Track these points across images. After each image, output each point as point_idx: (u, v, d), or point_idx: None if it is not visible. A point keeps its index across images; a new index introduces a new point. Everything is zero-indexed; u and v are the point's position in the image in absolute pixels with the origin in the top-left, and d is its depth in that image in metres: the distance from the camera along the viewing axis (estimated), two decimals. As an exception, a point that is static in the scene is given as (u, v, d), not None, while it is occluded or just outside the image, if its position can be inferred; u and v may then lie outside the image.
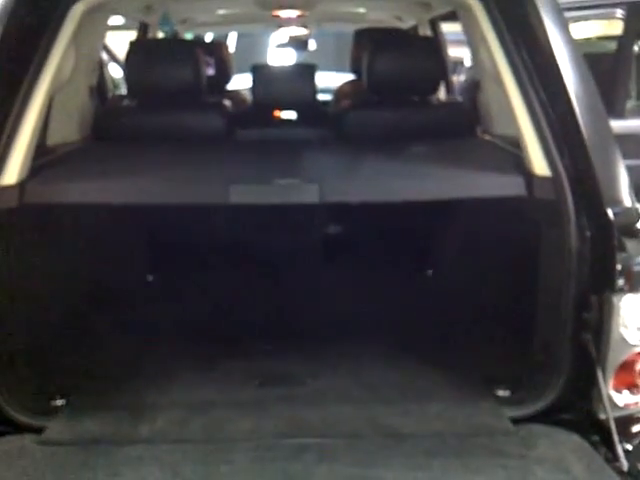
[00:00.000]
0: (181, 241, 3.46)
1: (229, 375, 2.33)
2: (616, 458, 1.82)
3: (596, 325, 1.95)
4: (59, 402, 2.12)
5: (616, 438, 1.84)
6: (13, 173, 2.09)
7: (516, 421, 2.00)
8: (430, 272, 3.37)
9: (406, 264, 3.40)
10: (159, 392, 2.21)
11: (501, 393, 2.16)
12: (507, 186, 2.20)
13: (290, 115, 3.45)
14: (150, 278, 3.33)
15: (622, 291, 1.91)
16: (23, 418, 1.98)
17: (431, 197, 2.23)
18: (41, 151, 2.35)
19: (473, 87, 3.26)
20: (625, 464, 1.80)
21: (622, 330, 1.93)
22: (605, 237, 1.92)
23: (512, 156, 2.41)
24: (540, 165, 2.09)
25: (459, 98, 3.97)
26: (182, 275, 3.32)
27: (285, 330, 2.70)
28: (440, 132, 2.93)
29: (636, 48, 4.59)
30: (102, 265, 2.96)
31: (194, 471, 1.73)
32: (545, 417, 2.01)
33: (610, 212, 1.92)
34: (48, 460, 1.79)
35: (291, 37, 5.20)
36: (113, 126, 3.00)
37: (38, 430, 1.98)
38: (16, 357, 2.10)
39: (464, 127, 3.02)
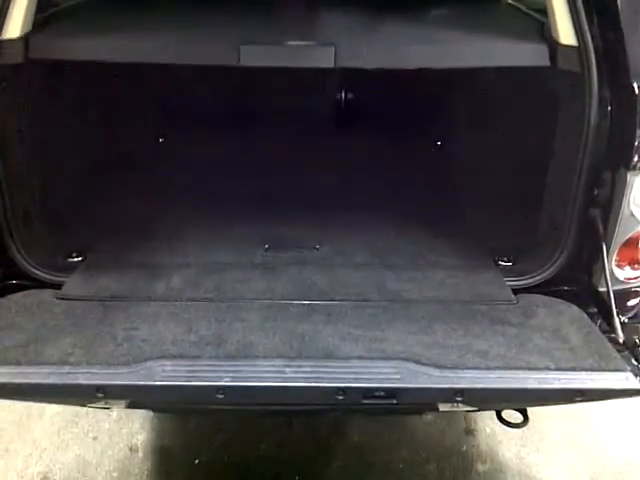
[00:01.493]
0: (190, 103, 3.36)
1: (240, 238, 2.34)
2: (613, 330, 1.85)
3: (606, 202, 1.93)
4: (76, 259, 2.15)
5: (615, 310, 1.87)
6: (16, 26, 1.96)
7: (517, 291, 2.02)
8: (439, 142, 3.28)
9: (416, 134, 3.29)
10: (173, 252, 2.23)
11: (503, 263, 2.18)
12: (529, 55, 2.08)
13: None
14: (161, 140, 3.27)
15: (636, 169, 1.86)
16: (41, 273, 2.01)
17: (448, 65, 2.13)
18: (44, 3, 2.19)
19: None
20: (621, 335, 1.83)
21: (632, 207, 1.91)
22: (627, 112, 1.84)
23: (536, 23, 2.26)
24: (566, 33, 1.95)
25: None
26: (192, 138, 3.23)
27: (296, 196, 2.68)
28: None
29: None
30: (112, 126, 2.88)
31: (208, 327, 1.77)
32: (546, 288, 2.03)
33: (636, 86, 1.82)
34: (67, 314, 1.83)
35: None
36: None
37: (56, 286, 2.01)
38: (32, 215, 2.10)
39: None
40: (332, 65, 2.01)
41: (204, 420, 2.80)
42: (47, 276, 2.02)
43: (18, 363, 1.60)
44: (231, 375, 1.56)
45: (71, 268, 2.11)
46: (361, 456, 2.65)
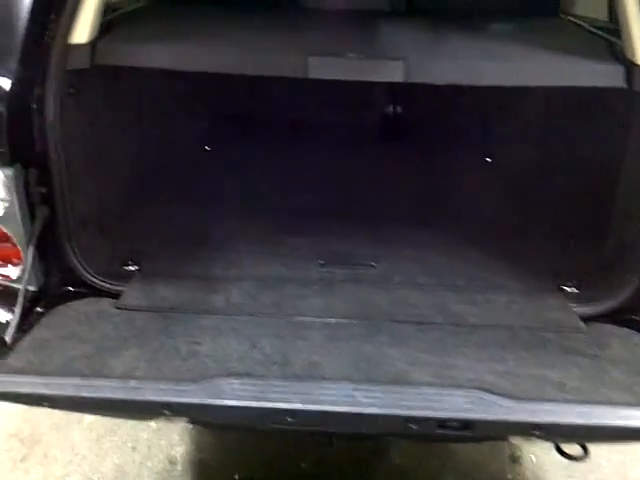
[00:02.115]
0: (238, 113, 3.34)
1: (294, 252, 2.28)
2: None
3: None
4: (132, 267, 2.11)
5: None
6: (84, 31, 1.92)
7: (584, 319, 1.94)
8: (489, 159, 3.21)
9: (466, 149, 3.22)
10: (228, 264, 2.17)
11: (568, 289, 2.09)
12: (604, 75, 2.00)
13: None
14: (208, 148, 3.23)
15: None
16: (98, 281, 1.97)
17: (522, 83, 2.06)
18: (105, 8, 2.17)
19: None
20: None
21: None
22: None
23: (604, 42, 2.20)
24: None
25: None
26: (241, 148, 3.18)
27: (348, 210, 2.62)
28: (519, 9, 2.71)
29: None
30: (165, 133, 2.85)
31: (271, 345, 1.71)
32: (614, 317, 1.95)
33: None
34: (128, 325, 1.78)
35: None
36: None
37: (113, 294, 1.97)
38: (89, 221, 2.06)
39: (546, 5, 2.78)
40: (402, 79, 1.97)
41: (243, 435, 2.73)
42: (104, 284, 1.98)
43: (84, 375, 1.55)
44: (301, 397, 1.50)
45: (127, 276, 2.06)
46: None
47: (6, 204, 1.85)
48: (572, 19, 2.74)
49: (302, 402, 1.49)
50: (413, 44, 2.21)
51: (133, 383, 1.51)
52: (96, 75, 2.05)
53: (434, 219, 2.57)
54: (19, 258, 1.94)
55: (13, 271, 1.96)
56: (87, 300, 1.90)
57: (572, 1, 2.79)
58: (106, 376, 1.55)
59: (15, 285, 1.95)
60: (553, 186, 2.61)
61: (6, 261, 1.96)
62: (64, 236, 1.95)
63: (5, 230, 1.90)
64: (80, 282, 1.99)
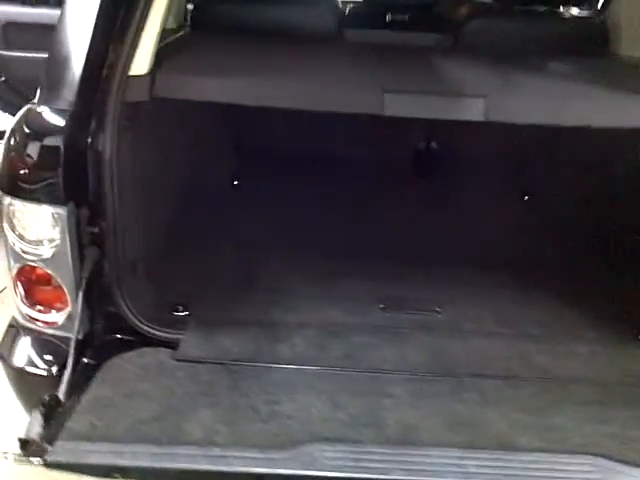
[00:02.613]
0: (266, 146, 3.22)
1: (351, 295, 2.12)
2: None
3: None
4: (182, 313, 1.92)
5: None
6: (144, 61, 1.77)
7: None
8: (526, 197, 3.09)
9: (502, 187, 3.09)
10: (285, 308, 2.00)
11: None
12: None
13: (401, 17, 3.11)
14: (236, 182, 3.06)
15: None
16: (148, 328, 1.78)
17: (611, 124, 1.91)
18: None
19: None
20: None
21: None
22: None
23: None
24: None
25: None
26: (273, 183, 3.00)
27: (395, 250, 2.45)
28: (570, 48, 2.63)
29: None
30: (198, 167, 2.71)
31: (354, 403, 1.53)
32: None
33: None
34: (192, 380, 1.60)
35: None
36: (214, 15, 2.65)
37: (164, 343, 1.78)
38: (137, 264, 1.88)
39: (597, 44, 2.69)
40: (482, 118, 1.87)
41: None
42: (155, 331, 1.78)
43: (159, 442, 1.36)
44: (405, 467, 1.34)
45: (177, 323, 1.87)
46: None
47: (56, 245, 1.67)
48: (621, 58, 2.69)
49: (407, 473, 1.32)
50: (486, 82, 2.06)
51: (217, 451, 1.32)
52: (147, 108, 1.92)
53: (490, 260, 2.41)
54: (64, 303, 1.75)
55: (56, 317, 1.76)
56: (141, 351, 1.71)
57: (619, 41, 2.74)
58: (184, 443, 1.36)
59: (58, 332, 1.77)
60: (608, 231, 2.49)
61: (49, 306, 1.76)
62: (113, 280, 1.76)
63: (51, 273, 1.71)
64: (128, 329, 1.79)
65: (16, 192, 1.63)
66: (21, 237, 1.67)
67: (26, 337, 1.76)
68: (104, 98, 1.67)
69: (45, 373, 1.72)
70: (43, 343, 1.75)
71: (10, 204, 1.65)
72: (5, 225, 1.71)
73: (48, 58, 1.71)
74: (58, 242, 1.66)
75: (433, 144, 3.23)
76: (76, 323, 1.67)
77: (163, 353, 1.71)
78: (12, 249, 1.70)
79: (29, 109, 1.67)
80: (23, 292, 1.75)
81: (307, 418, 1.47)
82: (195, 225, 2.48)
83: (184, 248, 2.28)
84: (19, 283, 1.74)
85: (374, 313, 2.04)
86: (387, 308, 2.06)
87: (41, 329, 1.77)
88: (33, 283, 1.74)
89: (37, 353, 1.75)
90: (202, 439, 1.38)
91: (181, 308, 1.94)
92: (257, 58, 2.12)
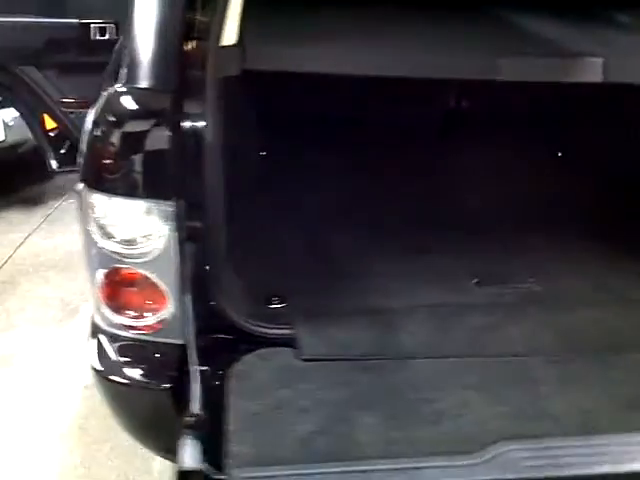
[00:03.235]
0: (292, 115, 3.01)
1: (437, 271, 1.97)
2: None
3: None
4: (278, 305, 1.76)
5: None
6: (233, 31, 1.57)
7: None
8: (559, 154, 2.97)
9: (535, 145, 2.92)
10: (379, 293, 1.84)
11: None
12: None
13: None
14: (264, 153, 2.81)
15: None
16: (251, 325, 1.61)
17: None
18: None
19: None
20: None
21: None
22: None
23: None
24: None
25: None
26: (296, 152, 2.75)
27: (458, 218, 2.30)
28: None
29: None
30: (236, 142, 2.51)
31: (510, 395, 1.42)
32: None
33: None
34: (332, 381, 1.46)
35: None
36: None
37: (270, 340, 1.61)
38: (231, 257, 1.69)
39: None
40: (600, 80, 1.76)
41: None
42: (258, 328, 1.61)
43: (338, 459, 1.22)
44: (607, 459, 1.23)
45: (275, 316, 1.72)
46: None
47: (157, 243, 1.46)
48: None
49: (612, 463, 1.23)
50: (598, 42, 1.92)
51: (407, 463, 1.20)
52: (233, 83, 1.71)
53: (560, 222, 2.27)
54: (161, 305, 1.54)
55: (154, 321, 1.56)
56: (261, 353, 1.55)
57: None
58: (366, 457, 1.23)
59: (157, 339, 1.56)
60: None
61: (144, 311, 1.55)
62: (211, 276, 1.58)
63: (149, 274, 1.50)
64: (229, 328, 1.62)
65: (108, 188, 1.40)
66: (111, 238, 1.45)
67: (120, 348, 1.55)
68: (198, 74, 1.44)
69: (154, 386, 1.52)
70: (143, 352, 1.55)
71: (99, 202, 1.42)
72: (87, 227, 1.46)
73: (128, 30, 1.46)
74: (160, 240, 1.45)
75: (464, 103, 3.13)
76: (188, 326, 1.48)
77: (284, 354, 1.56)
78: (98, 252, 1.47)
79: (115, 92, 1.41)
80: (111, 298, 1.54)
81: (475, 415, 1.36)
82: (250, 205, 2.28)
83: (251, 233, 2.07)
84: (106, 289, 1.52)
85: (471, 289, 1.91)
86: (481, 283, 1.94)
87: (137, 336, 1.56)
88: (124, 287, 1.53)
89: (137, 364, 1.54)
90: (382, 451, 1.26)
91: (276, 300, 1.77)
92: (352, 23, 1.95)
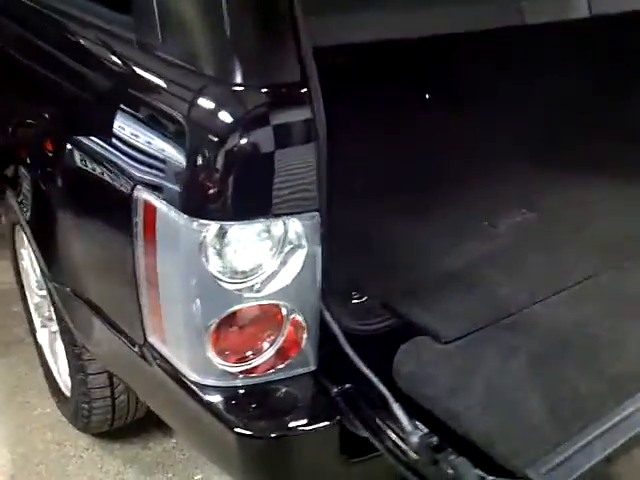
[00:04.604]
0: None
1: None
2: None
3: None
4: (360, 300, 1.52)
5: None
6: None
7: None
8: None
9: None
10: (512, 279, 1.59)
11: None
12: None
13: None
14: None
15: None
16: (360, 326, 1.40)
17: None
18: None
19: None
20: None
21: None
22: None
23: None
24: None
25: None
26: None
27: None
28: None
29: None
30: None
31: None
32: None
33: None
34: (493, 352, 1.30)
35: None
36: None
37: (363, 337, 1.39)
38: None
39: None
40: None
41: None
42: (364, 327, 1.41)
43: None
44: None
45: (365, 312, 1.48)
46: None
47: (298, 263, 1.23)
48: None
49: None
50: None
51: None
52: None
53: None
54: (294, 334, 1.31)
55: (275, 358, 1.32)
56: (407, 354, 1.32)
57: None
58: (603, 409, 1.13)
59: (282, 375, 1.32)
60: None
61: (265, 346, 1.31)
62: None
63: (284, 303, 1.27)
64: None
65: (231, 213, 1.16)
66: (233, 272, 1.21)
67: (258, 397, 1.30)
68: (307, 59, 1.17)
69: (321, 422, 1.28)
70: (280, 393, 1.30)
71: (232, 233, 1.18)
72: (194, 269, 1.19)
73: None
74: (307, 257, 1.23)
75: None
76: (349, 349, 1.26)
77: (425, 341, 1.35)
78: (209, 294, 1.22)
79: (218, 90, 1.16)
80: (226, 343, 1.29)
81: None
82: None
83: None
84: (221, 334, 1.27)
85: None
86: None
87: (264, 378, 1.30)
88: (244, 327, 1.29)
89: (285, 409, 1.29)
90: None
91: (356, 294, 1.53)
92: None
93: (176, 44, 1.20)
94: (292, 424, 1.24)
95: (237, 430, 1.22)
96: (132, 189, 1.25)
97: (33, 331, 2.53)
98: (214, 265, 1.18)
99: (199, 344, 1.25)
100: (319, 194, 1.17)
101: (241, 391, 1.28)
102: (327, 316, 1.26)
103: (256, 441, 1.23)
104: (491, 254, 1.64)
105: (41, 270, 1.86)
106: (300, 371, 1.30)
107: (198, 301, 1.21)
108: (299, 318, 1.26)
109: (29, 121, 1.73)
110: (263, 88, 1.12)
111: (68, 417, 2.26)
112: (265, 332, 1.28)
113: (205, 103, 1.16)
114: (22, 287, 2.50)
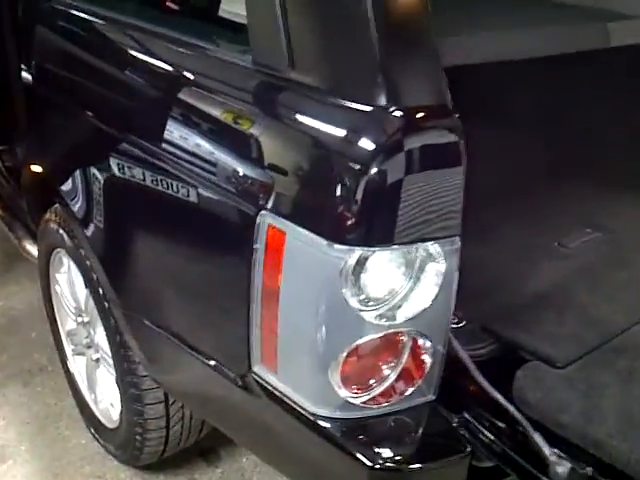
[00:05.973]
0: None
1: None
2: None
3: None
4: (458, 325, 1.43)
5: None
6: None
7: None
8: None
9: None
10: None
11: None
12: None
13: None
14: None
15: None
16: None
17: None
18: None
19: None
20: None
21: None
22: None
23: None
24: None
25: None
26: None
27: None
28: None
29: None
30: None
31: None
32: None
33: None
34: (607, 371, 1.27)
35: None
36: None
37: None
38: None
39: None
40: None
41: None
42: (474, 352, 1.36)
43: None
44: None
45: (462, 335, 1.38)
46: None
47: (435, 288, 1.17)
48: None
49: None
50: None
51: None
52: None
53: None
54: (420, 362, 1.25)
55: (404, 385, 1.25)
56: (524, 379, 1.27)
57: None
58: None
59: (403, 405, 1.26)
60: None
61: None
62: None
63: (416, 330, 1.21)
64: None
65: (374, 239, 1.10)
66: (369, 300, 1.15)
67: (370, 428, 1.22)
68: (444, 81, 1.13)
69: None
70: (401, 427, 1.24)
71: (357, 259, 1.10)
72: (331, 290, 1.12)
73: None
74: (433, 289, 1.17)
75: None
76: (480, 378, 1.21)
77: (545, 372, 1.29)
78: (343, 322, 1.15)
79: (362, 113, 1.09)
80: (354, 374, 1.22)
81: None
82: None
83: None
84: (348, 364, 1.19)
85: None
86: None
87: (383, 410, 1.23)
88: (366, 355, 1.22)
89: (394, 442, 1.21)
90: None
91: (454, 318, 1.42)
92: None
93: (310, 69, 1.15)
94: (425, 457, 1.18)
95: (368, 464, 1.15)
96: (256, 214, 1.19)
97: (63, 359, 2.40)
98: (351, 292, 1.12)
99: (323, 374, 1.18)
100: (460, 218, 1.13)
101: (365, 423, 1.21)
102: (455, 343, 1.22)
103: (390, 475, 1.17)
104: (572, 274, 1.63)
105: (103, 297, 1.76)
106: (421, 400, 1.25)
107: (330, 329, 1.14)
108: (427, 345, 1.21)
109: (113, 134, 1.62)
110: (409, 111, 1.08)
111: (111, 450, 2.13)
112: (391, 359, 1.21)
113: (348, 125, 1.10)
114: (52, 313, 2.37)
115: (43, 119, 2.07)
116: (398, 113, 1.07)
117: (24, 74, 2.11)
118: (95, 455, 2.24)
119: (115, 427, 2.07)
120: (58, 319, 2.35)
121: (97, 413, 2.21)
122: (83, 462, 2.22)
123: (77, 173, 1.76)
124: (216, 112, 1.31)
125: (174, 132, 1.38)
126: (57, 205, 2.01)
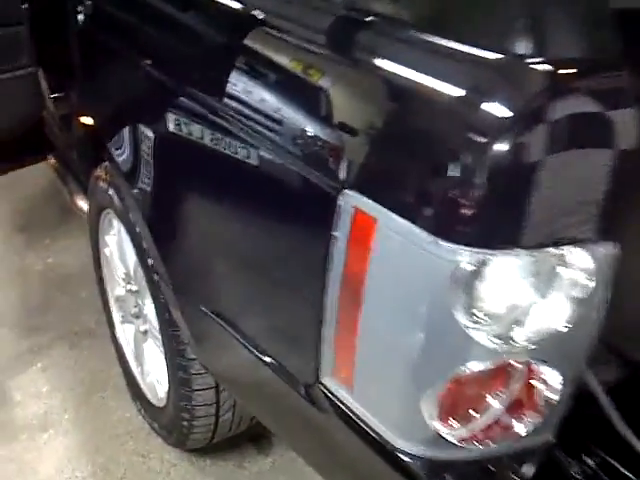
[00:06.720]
0: None
1: None
2: None
3: None
4: None
5: None
6: None
7: None
8: None
9: None
10: None
11: None
12: None
13: None
14: None
15: None
16: None
17: None
18: None
19: None
20: None
21: None
22: None
23: None
24: None
25: None
26: None
27: None
28: None
29: None
30: None
31: None
32: None
33: None
34: None
35: None
36: None
37: None
38: None
39: None
40: None
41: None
42: None
43: None
44: None
45: None
46: None
47: (576, 308, 0.88)
48: None
49: None
50: None
51: None
52: None
53: None
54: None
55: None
56: None
57: None
58: None
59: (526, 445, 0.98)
60: None
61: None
62: None
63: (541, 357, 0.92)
64: None
65: (500, 239, 0.81)
66: (485, 317, 0.86)
67: (469, 473, 0.96)
68: None
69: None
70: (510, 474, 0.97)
71: (474, 263, 0.81)
72: (435, 300, 0.85)
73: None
74: (571, 310, 0.88)
75: None
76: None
77: None
78: (448, 341, 0.87)
79: (490, 67, 0.80)
80: (452, 404, 0.94)
81: None
82: None
83: None
84: (449, 393, 0.92)
85: None
86: None
87: (487, 452, 0.96)
88: (471, 383, 0.93)
89: None
90: None
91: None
92: None
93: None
94: None
95: None
96: (337, 193, 0.92)
97: (111, 325, 2.22)
98: (460, 305, 0.85)
99: (414, 402, 0.93)
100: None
101: (459, 466, 0.96)
102: (589, 375, 0.94)
103: None
104: None
105: (152, 269, 1.54)
106: (536, 442, 0.98)
107: (429, 349, 0.86)
108: (551, 376, 0.94)
109: (171, 85, 1.36)
110: (558, 64, 0.78)
111: (157, 429, 1.96)
112: (500, 390, 0.94)
113: (469, 80, 0.79)
114: (100, 276, 2.19)
115: (96, 66, 1.84)
116: (543, 67, 0.77)
117: (79, 16, 1.89)
118: (140, 431, 2.07)
119: (162, 406, 1.88)
120: (106, 283, 2.17)
121: (143, 387, 2.03)
122: (127, 437, 2.05)
123: (127, 128, 1.53)
124: (298, 62, 1.03)
125: (242, 86, 1.11)
126: (107, 162, 1.79)
